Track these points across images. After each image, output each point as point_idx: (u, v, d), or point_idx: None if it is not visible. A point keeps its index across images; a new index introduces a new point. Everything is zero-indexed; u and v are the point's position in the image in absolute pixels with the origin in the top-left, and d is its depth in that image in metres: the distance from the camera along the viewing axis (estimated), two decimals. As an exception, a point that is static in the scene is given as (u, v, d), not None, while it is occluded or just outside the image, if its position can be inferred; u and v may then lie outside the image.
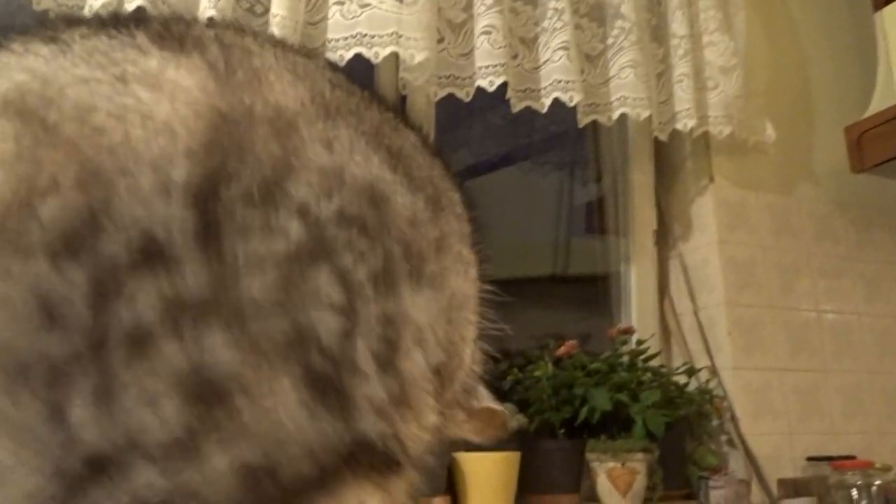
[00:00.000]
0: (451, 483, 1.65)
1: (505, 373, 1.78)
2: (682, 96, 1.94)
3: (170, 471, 0.32)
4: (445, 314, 0.39)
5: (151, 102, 0.36)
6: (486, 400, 0.54)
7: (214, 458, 0.32)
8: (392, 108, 0.45)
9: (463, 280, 0.41)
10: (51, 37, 0.38)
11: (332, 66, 0.44)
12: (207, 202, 0.34)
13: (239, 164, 0.36)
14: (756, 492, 1.88)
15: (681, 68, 1.96)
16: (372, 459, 0.36)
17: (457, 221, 0.43)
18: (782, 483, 1.90)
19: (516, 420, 1.70)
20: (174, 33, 0.40)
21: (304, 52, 0.43)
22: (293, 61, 0.42)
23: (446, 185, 0.44)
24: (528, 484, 1.71)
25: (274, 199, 0.36)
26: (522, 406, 1.75)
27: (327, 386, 0.35)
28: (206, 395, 0.32)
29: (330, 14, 1.59)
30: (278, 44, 0.43)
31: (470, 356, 0.41)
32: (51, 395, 0.31)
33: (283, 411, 0.34)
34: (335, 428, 0.35)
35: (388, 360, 0.36)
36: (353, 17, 1.58)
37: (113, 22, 0.40)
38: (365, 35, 1.58)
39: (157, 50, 0.38)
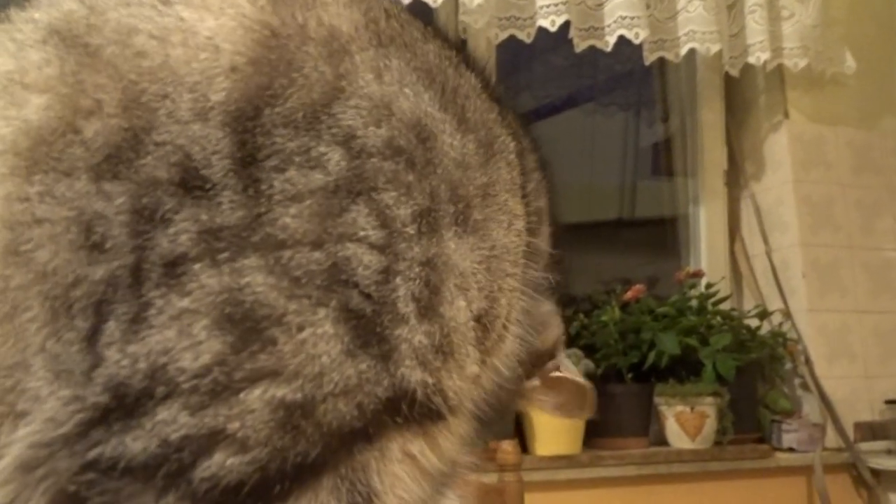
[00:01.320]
0: (518, 427, 1.68)
1: (571, 318, 1.78)
2: (755, 27, 1.85)
3: (195, 406, 0.31)
4: (487, 263, 0.38)
5: (194, 20, 0.35)
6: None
7: (246, 392, 0.32)
8: (454, 47, 0.43)
9: (505, 232, 0.39)
10: None
11: None
12: (247, 124, 0.34)
13: (286, 83, 0.35)
14: (831, 435, 1.84)
15: (753, -2, 1.87)
16: (413, 410, 0.35)
17: (507, 170, 0.41)
18: (859, 426, 1.85)
19: (583, 365, 1.70)
20: None
21: None
22: None
23: (501, 131, 0.41)
24: (595, 428, 1.71)
25: (318, 124, 0.35)
26: (589, 351, 1.75)
27: (365, 326, 0.34)
28: (240, 321, 0.32)
29: (386, -42, 1.56)
30: None
31: (507, 307, 0.40)
32: (88, 323, 0.31)
33: (319, 345, 0.33)
34: (374, 370, 0.33)
35: (429, 306, 0.35)
36: (410, -40, 1.55)
37: None
38: (422, -22, 1.55)
39: None
